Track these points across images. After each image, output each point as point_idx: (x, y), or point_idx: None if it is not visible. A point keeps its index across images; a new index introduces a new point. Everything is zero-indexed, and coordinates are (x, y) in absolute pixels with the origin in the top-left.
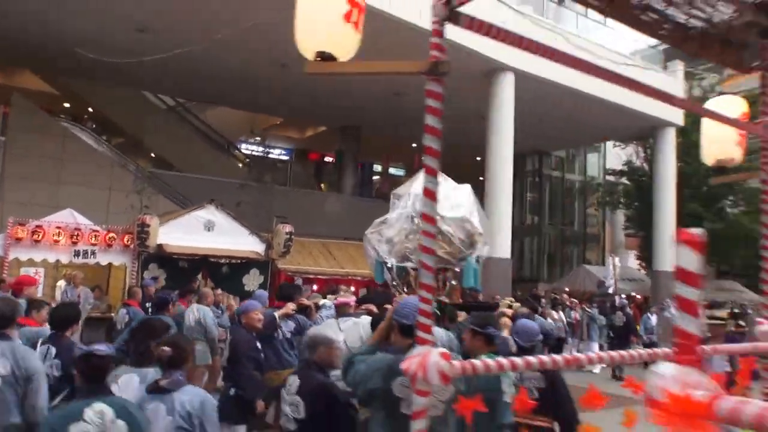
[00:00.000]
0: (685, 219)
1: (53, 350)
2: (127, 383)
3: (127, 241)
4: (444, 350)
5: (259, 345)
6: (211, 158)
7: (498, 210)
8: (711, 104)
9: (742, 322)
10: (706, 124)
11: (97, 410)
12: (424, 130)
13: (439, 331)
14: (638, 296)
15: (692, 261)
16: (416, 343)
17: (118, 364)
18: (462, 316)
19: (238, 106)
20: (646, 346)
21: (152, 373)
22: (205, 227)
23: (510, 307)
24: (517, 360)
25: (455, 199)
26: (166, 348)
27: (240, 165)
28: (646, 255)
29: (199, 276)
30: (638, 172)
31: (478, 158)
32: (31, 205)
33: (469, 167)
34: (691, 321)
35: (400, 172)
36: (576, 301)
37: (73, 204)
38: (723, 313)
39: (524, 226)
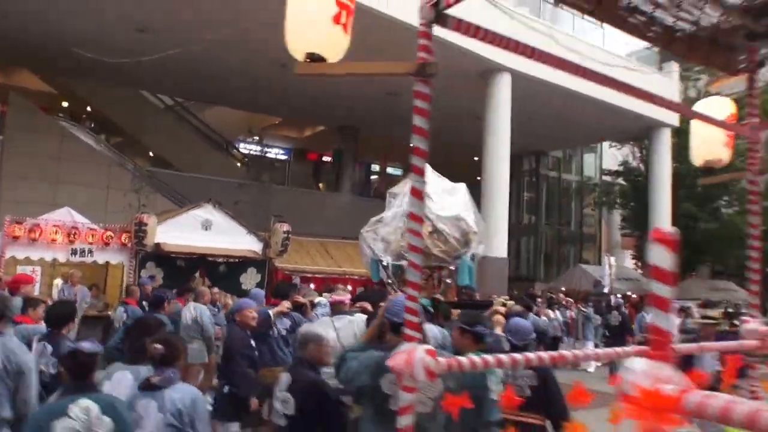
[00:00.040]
0: (680, 219)
1: (49, 348)
2: (120, 380)
3: (125, 239)
4: (430, 347)
5: (253, 343)
6: (209, 157)
7: (495, 210)
8: (699, 106)
9: (736, 322)
10: (695, 125)
11: (82, 406)
12: (411, 130)
13: (433, 329)
14: (634, 295)
15: (665, 259)
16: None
17: (112, 361)
18: (456, 313)
19: (237, 106)
20: (641, 344)
21: (145, 370)
22: (203, 226)
23: (504, 305)
24: (503, 357)
25: (450, 198)
26: (158, 346)
27: (238, 164)
28: (642, 255)
29: (197, 275)
30: (634, 172)
31: (476, 158)
32: (29, 204)
33: (466, 167)
34: (663, 318)
35: (398, 172)
36: (572, 300)
37: (71, 203)
38: (716, 312)
39: (521, 226)
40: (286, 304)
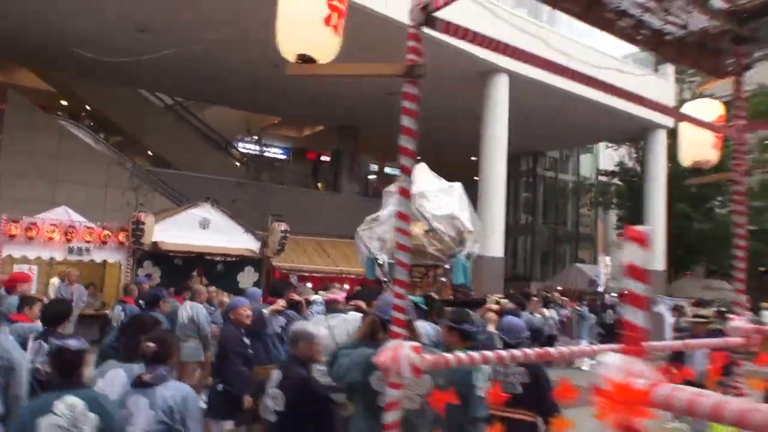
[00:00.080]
0: (675, 219)
1: (45, 346)
2: (114, 378)
3: (122, 238)
4: (415, 344)
5: (247, 341)
6: (208, 157)
7: (492, 209)
8: (688, 108)
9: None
10: (683, 127)
11: (67, 403)
12: (400, 131)
13: (426, 326)
14: None
15: (639, 257)
16: (390, 337)
17: (106, 359)
18: (450, 311)
19: (236, 106)
20: None
21: (139, 368)
22: (201, 225)
23: (498, 303)
24: (488, 354)
25: (446, 197)
26: (150, 344)
27: (237, 164)
28: None
29: (194, 273)
30: (630, 172)
31: (473, 158)
32: (27, 202)
33: (463, 167)
34: (637, 314)
35: (397, 172)
36: (567, 299)
37: (69, 201)
38: (708, 311)
39: (518, 226)
40: (281, 302)
